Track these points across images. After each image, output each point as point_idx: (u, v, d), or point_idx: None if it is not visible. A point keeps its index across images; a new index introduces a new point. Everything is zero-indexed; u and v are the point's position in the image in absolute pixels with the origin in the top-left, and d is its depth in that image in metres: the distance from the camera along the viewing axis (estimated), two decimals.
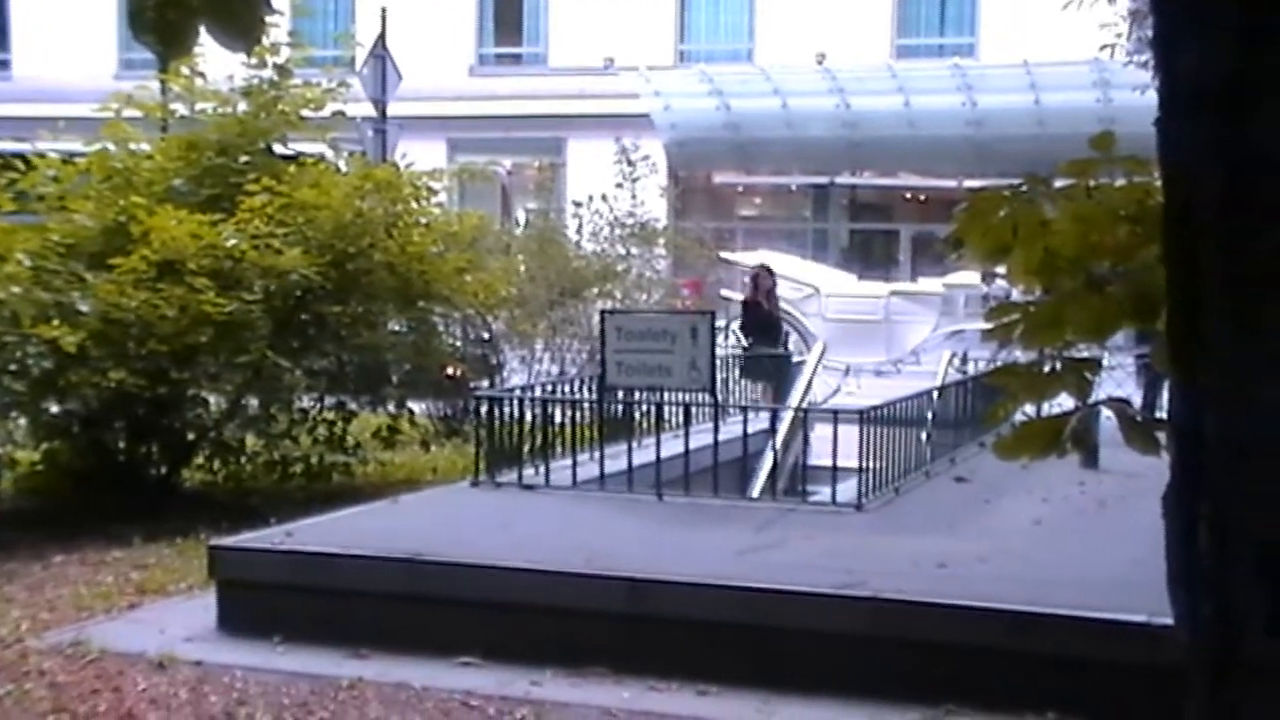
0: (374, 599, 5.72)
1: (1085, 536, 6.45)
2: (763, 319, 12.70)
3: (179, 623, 5.97)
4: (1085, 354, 2.51)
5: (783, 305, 15.81)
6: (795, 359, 12.06)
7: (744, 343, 12.22)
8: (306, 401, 9.33)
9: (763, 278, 13.10)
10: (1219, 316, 1.57)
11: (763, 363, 11.30)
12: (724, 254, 17.52)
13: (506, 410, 7.81)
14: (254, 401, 8.93)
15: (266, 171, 9.13)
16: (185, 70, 9.52)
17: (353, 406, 9.52)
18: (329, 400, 9.41)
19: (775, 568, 5.55)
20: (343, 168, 9.99)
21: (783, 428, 9.24)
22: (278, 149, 9.74)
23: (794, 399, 10.54)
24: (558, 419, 8.21)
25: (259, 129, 9.55)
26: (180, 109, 9.89)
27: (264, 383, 8.70)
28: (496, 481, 7.54)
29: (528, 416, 8.14)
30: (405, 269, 9.23)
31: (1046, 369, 2.46)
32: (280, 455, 9.10)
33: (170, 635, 5.77)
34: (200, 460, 9.22)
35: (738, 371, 11.07)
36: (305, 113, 9.78)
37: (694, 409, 8.51)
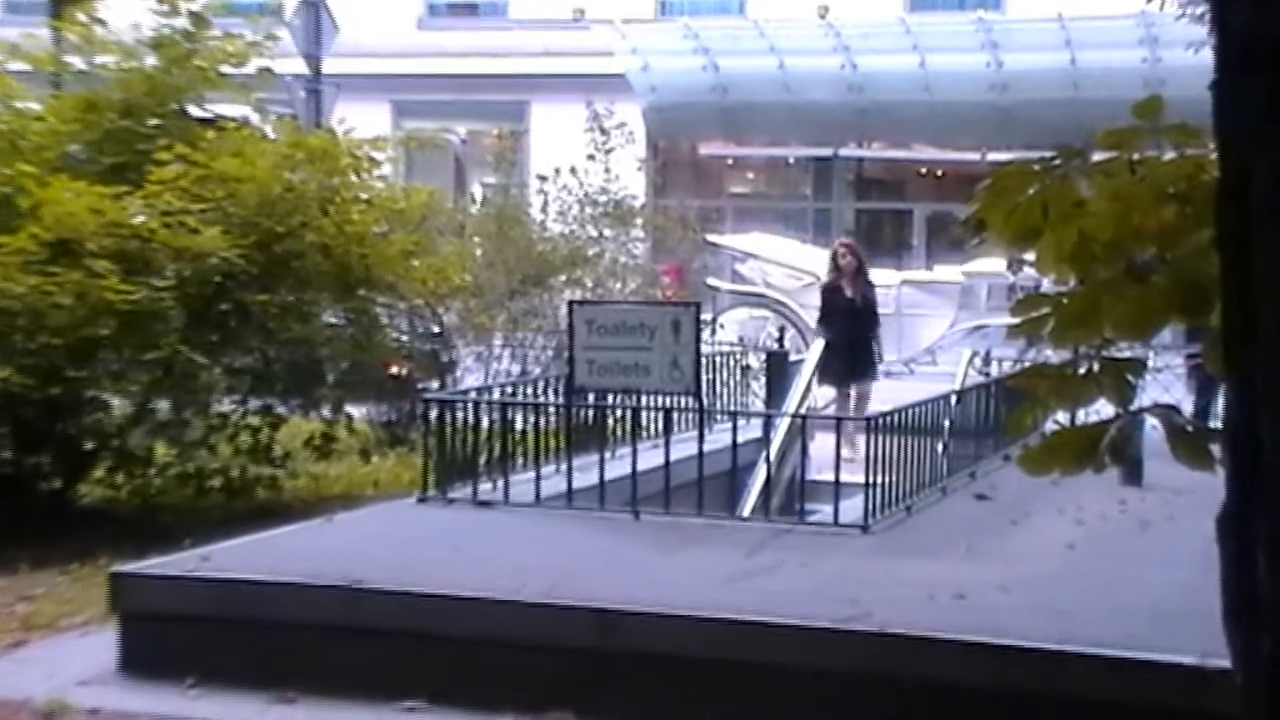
0: (304, 633, 5.69)
1: (1126, 563, 6.47)
2: (844, 308, 11.83)
3: (73, 663, 5.90)
4: (1126, 354, 2.51)
5: (782, 299, 15.82)
6: (793, 358, 12.07)
7: (823, 339, 11.39)
8: (226, 405, 9.29)
9: (843, 256, 12.17)
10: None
11: (843, 364, 10.97)
12: (711, 236, 17.54)
13: (460, 415, 7.78)
14: (164, 404, 8.88)
15: (180, 137, 9.07)
16: (82, 16, 9.45)
17: (281, 410, 9.48)
18: (253, 403, 9.37)
19: (768, 597, 5.55)
20: (270, 134, 9.94)
21: (778, 437, 9.25)
22: (193, 111, 9.68)
23: (791, 404, 10.55)
24: (519, 425, 8.19)
25: (171, 87, 9.49)
26: (77, 62, 9.80)
27: (176, 383, 8.64)
28: (447, 497, 7.52)
29: (484, 422, 8.11)
30: (343, 252, 9.20)
31: (1081, 370, 2.47)
32: (195, 467, 9.05)
33: (62, 678, 5.69)
34: (101, 473, 9.15)
35: (815, 378, 10.95)
36: (225, 69, 9.72)
37: (676, 415, 8.49)
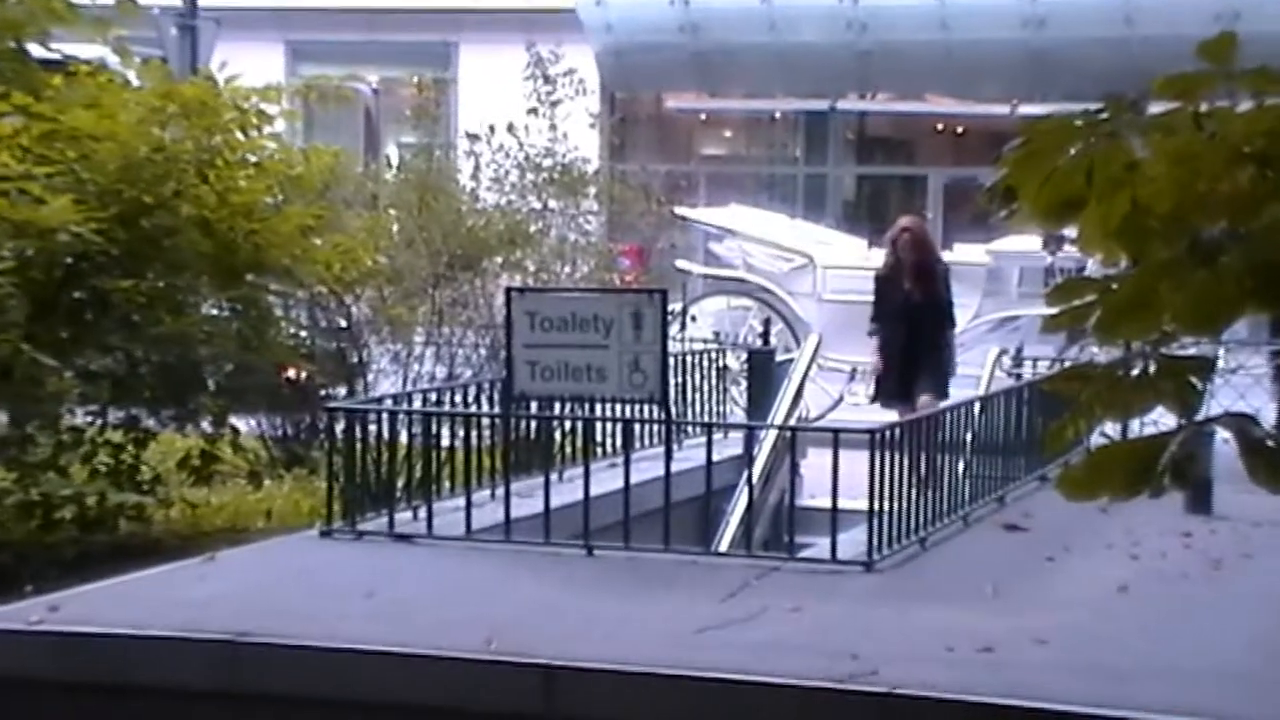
0: (175, 699, 5.66)
1: (1190, 610, 6.49)
2: (899, 305, 11.18)
3: None
4: (1190, 351, 2.51)
5: (767, 285, 15.81)
6: (780, 357, 12.09)
7: (874, 338, 11.28)
8: (81, 417, 9.22)
9: (905, 242, 11.39)
10: None
11: (898, 377, 10.69)
12: (680, 209, 17.54)
13: (373, 428, 7.76)
14: (1, 417, 8.79)
15: (18, 84, 9.00)
16: None
17: (149, 424, 9.43)
18: (114, 415, 9.31)
19: (749, 650, 5.54)
20: (134, 81, 9.87)
21: (762, 454, 9.25)
22: (35, 51, 9.59)
23: (778, 413, 10.57)
24: (445, 441, 8.16)
25: (5, 21, 9.41)
26: None
27: (16, 389, 8.57)
28: (357, 530, 7.52)
29: (403, 437, 8.07)
30: (226, 228, 9.15)
31: (1134, 372, 2.46)
32: (41, 493, 8.96)
33: None
34: None
35: (872, 388, 10.73)
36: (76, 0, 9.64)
37: (638, 427, 8.48)
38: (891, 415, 10.36)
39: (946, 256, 17.95)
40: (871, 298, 11.65)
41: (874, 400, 11.12)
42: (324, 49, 25.21)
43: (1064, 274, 12.80)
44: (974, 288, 16.22)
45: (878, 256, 18.17)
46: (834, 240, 18.15)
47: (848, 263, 16.42)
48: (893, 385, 10.87)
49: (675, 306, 12.62)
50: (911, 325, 10.94)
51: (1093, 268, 11.65)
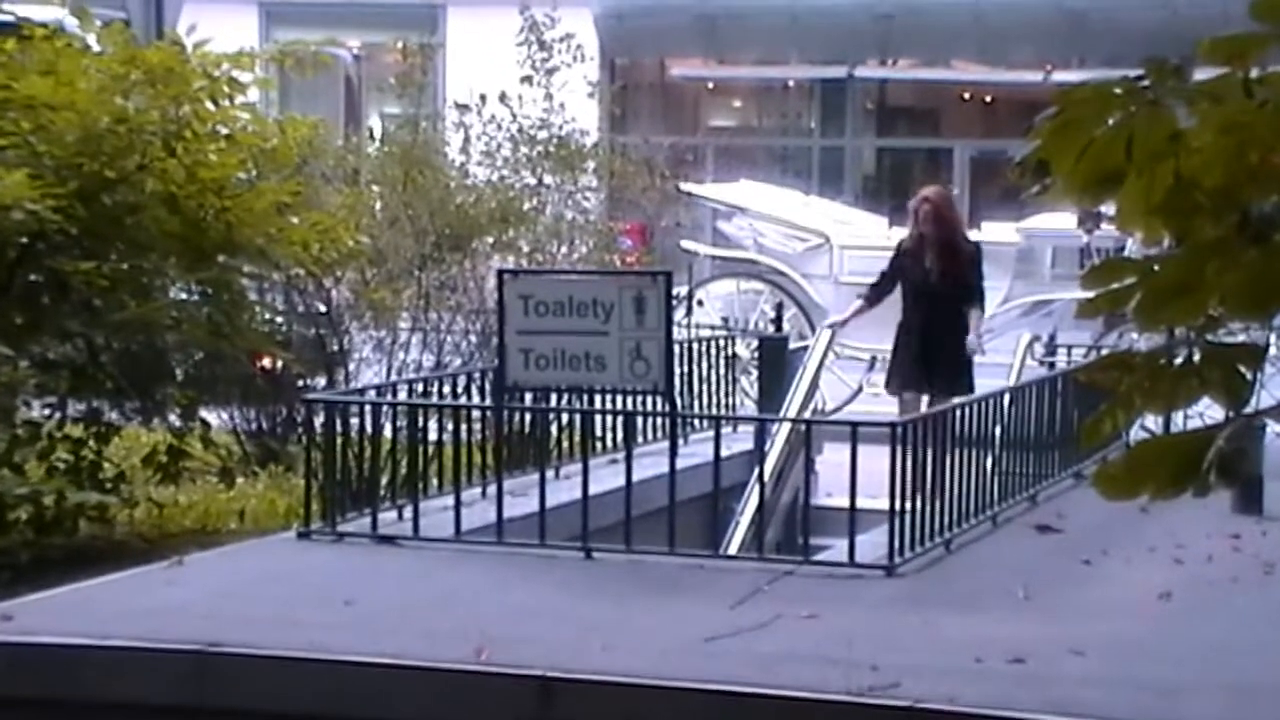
0: (140, 715, 5.65)
1: (1240, 618, 6.50)
2: (919, 283, 10.81)
3: None
4: (1240, 338, 2.50)
5: (780, 266, 15.79)
6: (794, 345, 12.08)
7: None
8: (37, 409, 9.22)
9: (926, 214, 11.02)
10: None
11: (915, 363, 10.48)
12: (686, 185, 17.53)
13: (354, 422, 7.77)
14: None
15: None
16: None
17: (112, 417, 9.43)
18: (74, 408, 9.31)
19: (760, 661, 5.54)
20: (94, 45, 9.85)
21: (774, 449, 9.24)
22: None
23: (792, 405, 10.57)
24: (433, 435, 8.17)
25: None
26: None
27: None
28: (337, 531, 7.52)
29: (387, 431, 8.07)
30: (195, 205, 9.14)
31: (1178, 361, 2.46)
32: None
33: None
34: None
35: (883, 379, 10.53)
36: None
37: (640, 420, 8.48)
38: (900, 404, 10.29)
39: (974, 237, 17.90)
40: (869, 281, 11.54)
41: (886, 386, 10.92)
42: (301, 12, 25.19)
43: (1101, 254, 12.80)
44: (1004, 269, 16.19)
45: (899, 235, 18.18)
46: (852, 218, 18.12)
47: (867, 243, 16.39)
48: (906, 372, 10.68)
49: (680, 290, 12.60)
50: (931, 306, 10.72)
51: (1132, 247, 11.68)
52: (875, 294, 11.23)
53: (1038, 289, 15.87)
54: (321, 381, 11.02)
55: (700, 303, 14.43)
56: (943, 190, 12.70)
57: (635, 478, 7.44)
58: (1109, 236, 12.93)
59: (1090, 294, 2.54)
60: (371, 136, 16.23)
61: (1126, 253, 11.14)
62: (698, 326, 12.54)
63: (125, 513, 9.39)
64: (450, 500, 7.61)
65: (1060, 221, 14.89)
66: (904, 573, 6.94)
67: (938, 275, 10.73)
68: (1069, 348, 11.02)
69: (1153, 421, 6.40)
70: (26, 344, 8.73)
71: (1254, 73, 2.35)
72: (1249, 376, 2.42)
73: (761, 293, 15.87)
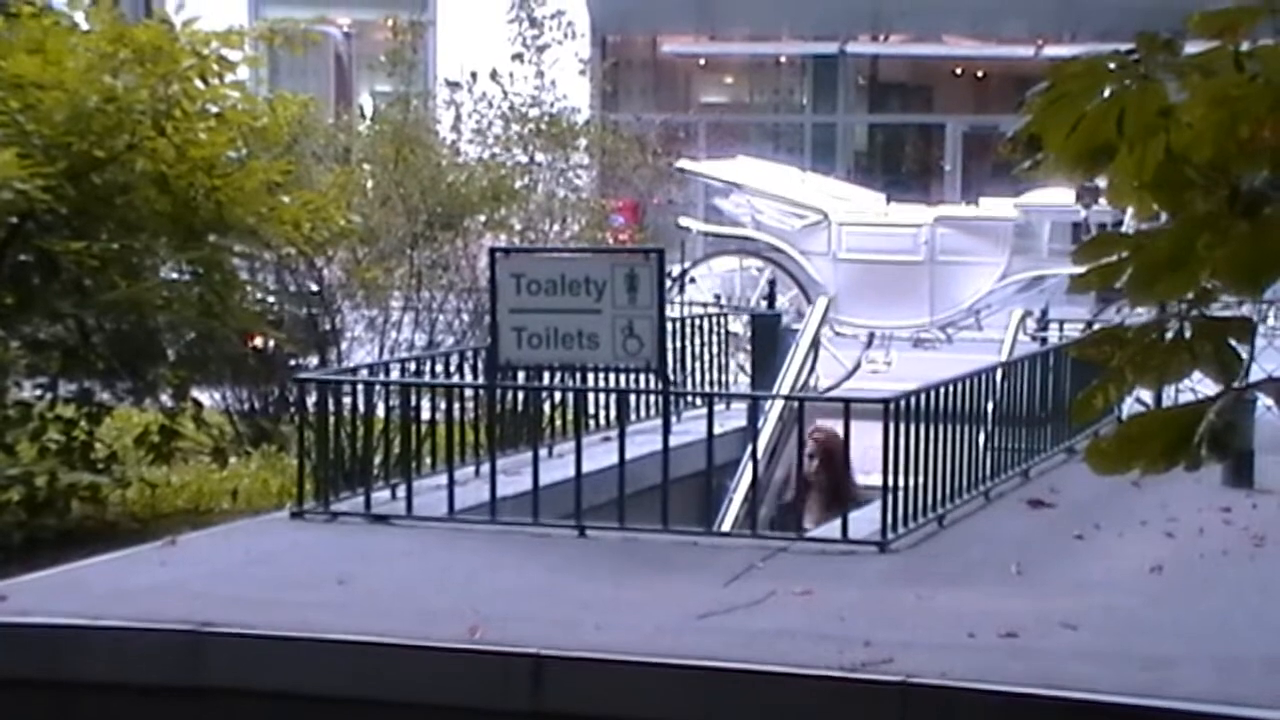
0: (132, 695, 5.66)
1: (1231, 591, 6.50)
2: None
3: None
4: (1231, 312, 2.50)
5: (778, 243, 15.77)
6: (794, 324, 12.08)
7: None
8: (28, 390, 9.21)
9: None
10: None
11: None
12: (682, 162, 17.51)
13: (346, 401, 7.76)
14: None
15: None
16: None
17: (104, 398, 9.42)
18: (65, 388, 9.30)
19: (754, 638, 5.55)
20: (82, 23, 9.82)
21: (768, 426, 9.25)
22: None
23: (785, 382, 10.58)
24: (425, 414, 8.18)
25: None
26: None
27: None
28: (330, 510, 7.53)
29: (379, 410, 8.07)
30: (186, 184, 9.12)
31: (1170, 335, 2.46)
32: None
33: None
34: None
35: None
36: None
37: (634, 398, 8.47)
38: None
39: (970, 212, 17.91)
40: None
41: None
42: None
43: (1099, 229, 12.80)
44: (1000, 245, 16.18)
45: (898, 212, 18.22)
46: (850, 195, 18.10)
47: (863, 220, 16.38)
48: None
49: (674, 268, 12.60)
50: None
51: (1130, 223, 11.65)
52: None
53: (1035, 264, 15.85)
54: (314, 361, 11.02)
55: (694, 280, 14.42)
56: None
57: (629, 455, 7.43)
58: (1107, 211, 12.89)
59: (1083, 270, 2.54)
60: (362, 114, 16.18)
61: (1124, 228, 11.13)
62: (691, 304, 12.54)
63: (118, 493, 9.39)
64: (443, 479, 7.62)
65: (1059, 196, 14.82)
66: (897, 549, 6.95)
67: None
68: (1062, 323, 11.01)
69: (1145, 395, 6.41)
70: (17, 324, 8.73)
71: (1244, 46, 2.34)
72: (1240, 350, 2.42)
73: (764, 270, 15.87)
